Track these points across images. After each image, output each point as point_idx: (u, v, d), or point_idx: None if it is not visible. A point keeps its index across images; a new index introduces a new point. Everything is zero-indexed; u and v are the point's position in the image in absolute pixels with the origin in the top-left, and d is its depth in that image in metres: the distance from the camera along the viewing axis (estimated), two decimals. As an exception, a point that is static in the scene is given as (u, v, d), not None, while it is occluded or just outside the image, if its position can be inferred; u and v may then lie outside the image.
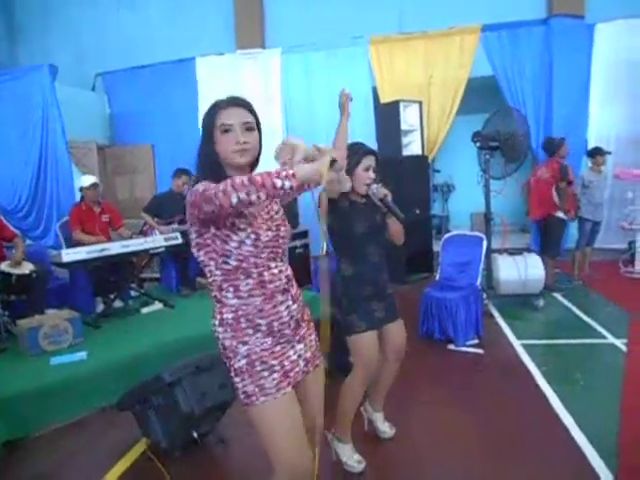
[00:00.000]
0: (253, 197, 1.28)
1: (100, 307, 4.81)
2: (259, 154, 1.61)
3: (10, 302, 4.17)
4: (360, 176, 2.36)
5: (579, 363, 3.70)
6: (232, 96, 1.60)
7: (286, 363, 1.58)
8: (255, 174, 1.30)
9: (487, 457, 2.56)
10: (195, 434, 2.64)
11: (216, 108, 1.54)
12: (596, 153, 6.09)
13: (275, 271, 1.57)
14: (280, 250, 1.60)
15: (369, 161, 2.38)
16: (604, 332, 4.19)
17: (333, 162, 1.35)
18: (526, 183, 6.14)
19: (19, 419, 2.88)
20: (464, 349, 4.00)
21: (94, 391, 3.18)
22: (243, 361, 1.53)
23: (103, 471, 2.57)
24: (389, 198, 2.34)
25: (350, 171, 2.34)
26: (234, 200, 1.28)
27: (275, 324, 1.56)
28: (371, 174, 2.38)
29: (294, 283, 1.67)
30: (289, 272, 1.64)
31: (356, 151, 2.38)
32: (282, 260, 1.62)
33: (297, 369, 1.61)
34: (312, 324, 1.75)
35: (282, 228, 1.61)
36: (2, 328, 3.96)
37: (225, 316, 1.54)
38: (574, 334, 4.24)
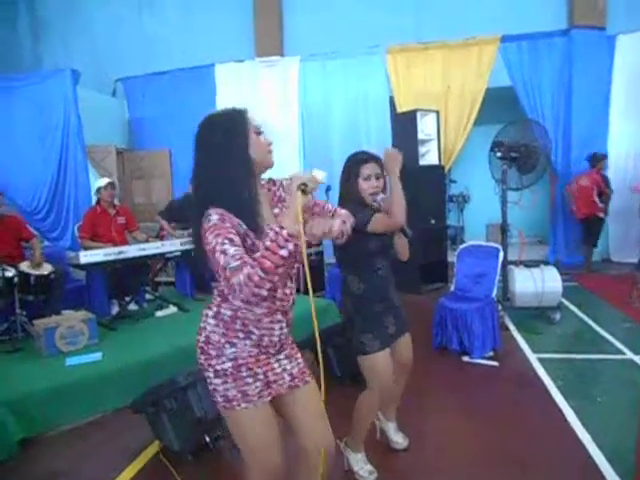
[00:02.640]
0: (275, 279, 1.35)
1: (115, 309, 4.85)
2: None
3: (28, 302, 4.22)
4: (361, 188, 2.27)
5: (596, 378, 3.63)
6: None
7: (270, 375, 1.59)
8: (259, 256, 1.33)
9: (501, 471, 2.51)
10: (207, 438, 2.65)
11: (243, 113, 1.55)
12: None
13: (287, 291, 1.61)
14: (293, 268, 1.63)
15: (368, 169, 2.26)
16: (622, 348, 4.12)
17: (304, 188, 1.36)
18: (570, 189, 7.14)
19: (34, 418, 2.91)
20: (479, 361, 3.95)
21: (108, 392, 3.20)
22: (229, 364, 1.53)
23: (115, 472, 2.58)
24: None
25: (352, 186, 2.26)
26: (255, 292, 1.34)
27: (265, 339, 1.58)
28: (373, 182, 2.26)
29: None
30: (294, 296, 1.67)
31: (352, 162, 2.30)
32: (292, 281, 1.65)
33: (281, 382, 1.62)
34: (295, 349, 1.74)
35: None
36: (19, 328, 4.01)
37: (223, 311, 1.55)
38: (591, 349, 4.17)
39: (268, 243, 1.33)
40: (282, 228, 1.32)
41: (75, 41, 9.69)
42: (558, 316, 4.86)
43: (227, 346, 1.53)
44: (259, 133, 1.55)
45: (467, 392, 3.53)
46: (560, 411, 3.08)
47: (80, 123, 6.88)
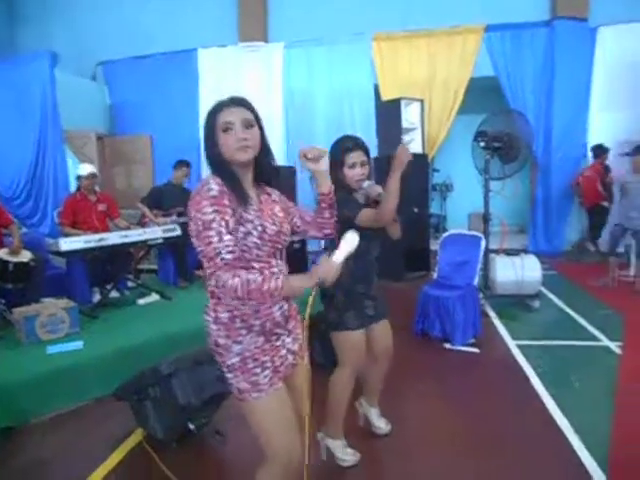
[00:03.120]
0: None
1: (96, 297, 4.80)
2: (263, 150, 1.62)
3: (6, 290, 4.15)
4: (347, 176, 2.27)
5: (574, 364, 3.72)
6: (232, 96, 1.60)
7: (276, 359, 1.62)
8: (252, 287, 1.43)
9: (481, 455, 2.57)
10: (192, 426, 2.65)
11: (217, 109, 1.56)
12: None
13: (275, 270, 1.60)
14: (280, 246, 1.64)
15: (352, 158, 2.26)
16: (599, 334, 4.22)
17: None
18: (575, 181, 7.33)
19: (15, 407, 2.87)
20: (460, 348, 4.02)
21: (90, 381, 3.18)
22: (236, 359, 1.57)
23: (99, 460, 2.57)
24: (382, 198, 2.22)
25: (337, 174, 2.23)
26: (238, 295, 1.46)
27: (268, 324, 1.60)
28: (358, 171, 2.27)
29: None
30: (286, 272, 1.67)
31: (337, 150, 2.28)
32: (281, 258, 1.66)
33: (286, 363, 1.66)
34: (299, 317, 1.78)
35: (284, 225, 1.65)
36: (-2, 316, 3.94)
37: (220, 315, 1.57)
38: (569, 336, 4.27)
39: (265, 288, 1.43)
40: (281, 292, 1.46)
41: (54, 25, 9.43)
42: (537, 304, 4.96)
43: (233, 345, 1.57)
44: (226, 130, 1.53)
45: (448, 378, 3.60)
46: (538, 396, 3.16)
47: (56, 107, 6.74)
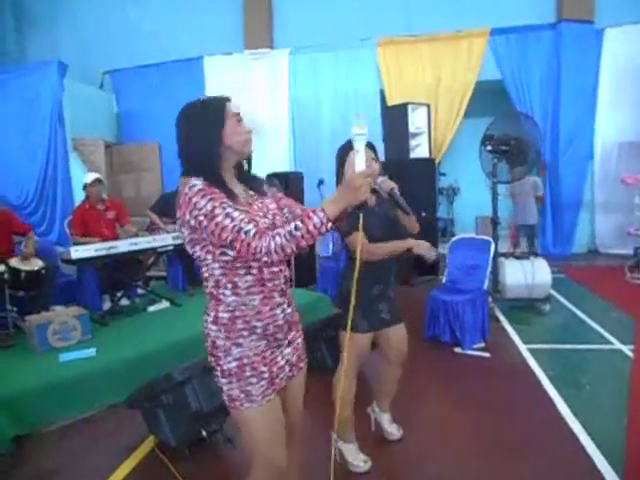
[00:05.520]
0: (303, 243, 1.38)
1: (107, 305, 4.82)
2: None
3: (18, 298, 4.18)
4: None
5: (586, 368, 3.70)
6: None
7: (274, 369, 1.57)
8: (298, 235, 1.35)
9: (493, 459, 2.56)
10: (204, 433, 2.66)
11: (223, 99, 1.54)
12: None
13: (275, 269, 1.54)
14: None
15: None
16: (610, 338, 4.19)
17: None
18: None
19: (28, 415, 2.89)
20: (470, 352, 4.00)
21: (103, 388, 3.19)
22: (234, 363, 1.51)
23: (111, 468, 2.58)
24: (396, 191, 2.27)
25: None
26: (281, 259, 1.40)
27: (270, 327, 1.54)
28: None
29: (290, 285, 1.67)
30: (287, 273, 1.63)
31: (347, 150, 2.31)
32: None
33: (282, 375, 1.60)
34: (300, 326, 1.73)
35: (277, 217, 1.59)
36: (10, 324, 3.97)
37: (221, 315, 1.50)
38: (580, 339, 4.23)
39: (311, 227, 1.34)
40: (328, 219, 1.35)
41: (61, 33, 9.54)
42: (548, 307, 4.93)
43: (233, 347, 1.51)
44: (239, 120, 1.52)
45: (459, 383, 3.57)
46: (551, 400, 3.14)
47: (62, 116, 6.81)
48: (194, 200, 1.39)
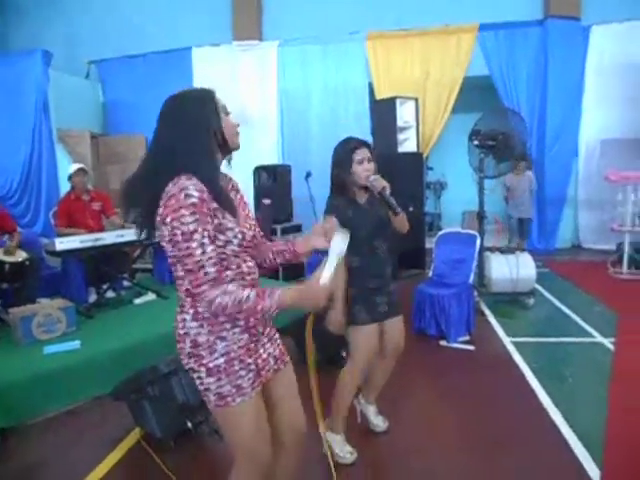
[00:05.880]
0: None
1: (92, 297, 4.78)
2: None
3: (2, 290, 4.13)
4: (357, 171, 2.35)
5: (568, 361, 3.76)
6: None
7: (259, 361, 1.57)
8: (246, 306, 1.38)
9: (477, 451, 2.60)
10: (190, 424, 2.66)
11: (211, 93, 1.52)
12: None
13: (250, 264, 1.57)
14: (251, 250, 1.59)
15: (359, 154, 2.35)
16: (593, 331, 4.26)
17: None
18: None
19: (12, 407, 2.86)
20: (455, 345, 4.05)
21: (88, 380, 3.17)
22: (221, 359, 1.48)
23: (97, 460, 2.58)
24: (387, 191, 2.31)
25: (346, 170, 2.34)
26: (227, 312, 1.41)
27: (251, 319, 1.54)
28: (366, 165, 2.35)
29: None
30: (256, 273, 1.63)
31: (344, 150, 2.37)
32: (252, 260, 1.60)
33: (267, 367, 1.61)
34: (273, 326, 1.74)
35: (254, 228, 1.62)
36: (-6, 316, 3.92)
37: (201, 309, 1.46)
38: (564, 333, 4.30)
39: (259, 307, 1.39)
40: (276, 308, 1.41)
41: (46, 22, 9.37)
42: (532, 301, 4.99)
43: (218, 342, 1.48)
44: (227, 113, 1.53)
45: (445, 376, 3.62)
46: (533, 392, 3.19)
47: (47, 106, 6.71)
48: (182, 212, 1.34)
